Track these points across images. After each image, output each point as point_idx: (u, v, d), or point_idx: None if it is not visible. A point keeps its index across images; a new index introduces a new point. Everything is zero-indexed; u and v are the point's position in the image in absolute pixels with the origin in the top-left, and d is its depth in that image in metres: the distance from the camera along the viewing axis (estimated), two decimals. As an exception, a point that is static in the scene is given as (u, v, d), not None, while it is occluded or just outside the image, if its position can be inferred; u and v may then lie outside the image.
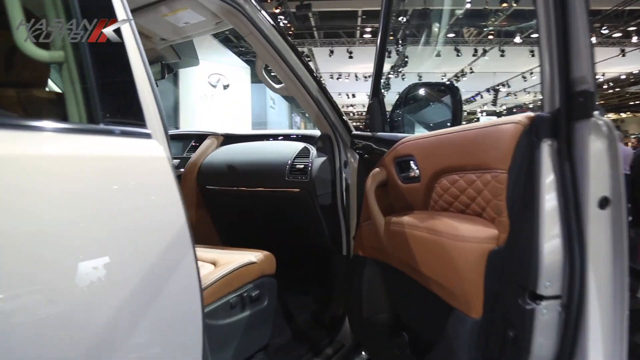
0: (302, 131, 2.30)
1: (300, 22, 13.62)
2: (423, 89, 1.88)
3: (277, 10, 13.14)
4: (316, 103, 1.88)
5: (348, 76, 17.44)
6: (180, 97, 10.63)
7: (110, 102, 0.97)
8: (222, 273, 1.58)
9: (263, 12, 1.62)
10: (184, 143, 2.51)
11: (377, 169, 1.59)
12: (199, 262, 1.76)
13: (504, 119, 1.00)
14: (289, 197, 2.02)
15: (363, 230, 1.74)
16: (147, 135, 0.98)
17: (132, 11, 1.71)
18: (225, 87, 11.89)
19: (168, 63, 2.33)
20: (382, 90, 1.85)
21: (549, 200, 0.91)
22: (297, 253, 2.37)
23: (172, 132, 2.64)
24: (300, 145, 2.10)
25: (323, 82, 1.70)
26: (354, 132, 1.94)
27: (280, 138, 2.37)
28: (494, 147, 1.01)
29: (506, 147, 0.97)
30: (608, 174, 0.88)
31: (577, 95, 0.88)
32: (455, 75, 16.67)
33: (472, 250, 1.01)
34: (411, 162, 1.44)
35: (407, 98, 1.86)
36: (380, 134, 1.72)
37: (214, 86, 11.63)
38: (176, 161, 2.39)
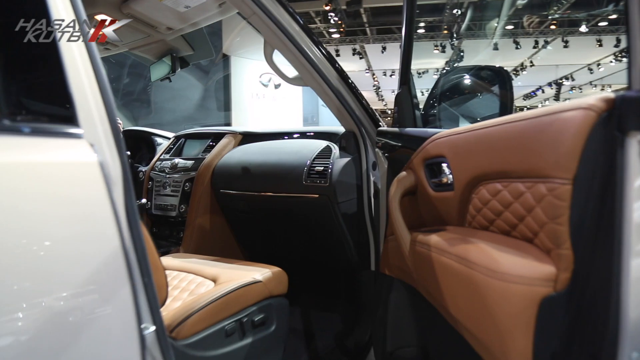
0: (330, 128, 2.02)
1: (352, 19, 13.36)
2: (464, 74, 1.55)
3: (328, 7, 12.97)
4: (337, 95, 1.60)
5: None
6: (232, 96, 10.69)
7: (22, 96, 0.76)
8: (217, 295, 1.34)
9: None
10: (202, 143, 2.31)
11: (403, 173, 1.30)
12: (200, 278, 1.54)
13: (567, 104, 0.67)
14: (307, 204, 1.76)
15: (389, 245, 1.45)
16: (76, 136, 0.76)
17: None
18: (277, 86, 11.89)
19: (181, 56, 2.14)
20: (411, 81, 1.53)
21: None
22: (317, 267, 2.11)
23: (188, 131, 2.45)
24: (322, 144, 1.83)
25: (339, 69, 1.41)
26: (381, 128, 1.64)
27: (306, 135, 2.11)
28: (551, 146, 0.69)
29: (570, 145, 0.65)
30: None
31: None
32: (515, 69, 15.71)
33: (517, 294, 0.70)
34: (443, 164, 1.13)
35: (445, 86, 1.54)
36: (408, 129, 1.41)
37: (266, 85, 11.70)
38: (189, 162, 2.18)
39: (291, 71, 1.63)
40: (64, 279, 0.70)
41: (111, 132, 0.84)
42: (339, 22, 12.67)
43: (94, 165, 0.75)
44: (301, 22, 1.46)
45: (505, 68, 1.42)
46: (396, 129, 1.46)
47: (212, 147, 2.19)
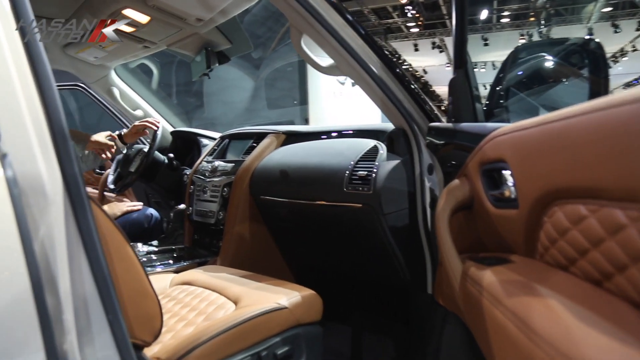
0: (380, 125, 1.76)
1: (430, 12, 12.84)
2: (542, 52, 1.21)
3: (404, 1, 12.57)
4: (380, 86, 1.34)
5: (484, 65, 15.93)
6: (309, 95, 10.69)
7: None
8: (230, 323, 1.14)
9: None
10: (245, 144, 2.14)
11: (455, 182, 1.01)
12: (222, 299, 1.35)
13: None
14: (350, 214, 1.51)
15: (442, 270, 1.16)
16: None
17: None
18: (354, 84, 11.75)
19: (219, 50, 1.98)
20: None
21: None
22: (366, 284, 1.85)
23: (232, 131, 2.29)
24: (369, 144, 1.57)
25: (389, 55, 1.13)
26: (432, 123, 1.35)
27: (355, 133, 1.86)
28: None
29: None
30: None
31: None
32: (613, 56, 14.14)
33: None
34: (505, 171, 0.84)
35: (517, 68, 1.22)
36: (464, 124, 1.12)
37: (342, 84, 11.62)
38: (229, 165, 2.01)
39: (326, 59, 1.40)
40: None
41: (52, 143, 0.66)
42: (417, 15, 12.21)
43: (-1, 181, 0.56)
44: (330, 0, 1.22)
45: (597, 41, 1.07)
46: (449, 124, 1.17)
47: (254, 148, 2.01)
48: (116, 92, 2.49)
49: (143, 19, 1.70)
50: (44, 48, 0.70)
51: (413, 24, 13.03)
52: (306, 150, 1.76)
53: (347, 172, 1.49)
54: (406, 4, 12.00)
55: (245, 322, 1.16)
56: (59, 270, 0.66)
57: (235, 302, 1.31)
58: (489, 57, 15.14)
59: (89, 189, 2.36)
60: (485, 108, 1.24)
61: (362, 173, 1.46)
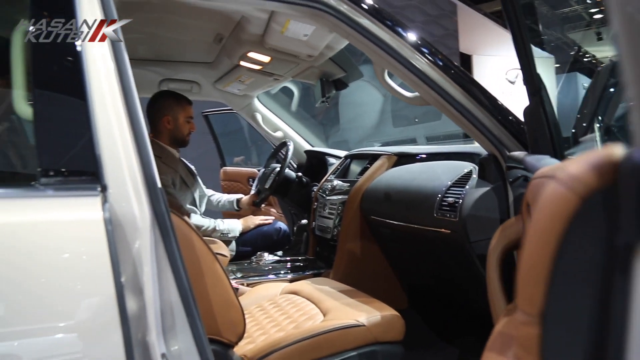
0: (478, 147, 1.72)
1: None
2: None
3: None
4: (462, 113, 1.35)
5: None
6: None
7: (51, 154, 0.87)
8: (310, 333, 1.30)
9: (359, 5, 1.24)
10: (362, 164, 2.27)
11: (511, 220, 1.00)
12: (315, 310, 1.51)
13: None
14: (439, 240, 1.53)
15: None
16: (94, 194, 0.84)
17: (263, 36, 1.62)
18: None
19: (334, 79, 2.16)
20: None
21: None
22: (451, 312, 1.83)
23: (354, 151, 2.44)
24: (466, 167, 1.57)
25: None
26: (512, 152, 1.30)
27: (458, 155, 1.85)
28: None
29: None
30: None
31: None
32: None
33: None
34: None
35: (605, 90, 1.11)
36: (527, 157, 1.07)
37: (512, 82, 10.89)
38: (345, 185, 2.16)
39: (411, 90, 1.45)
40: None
41: (145, 186, 0.89)
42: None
43: (97, 223, 0.80)
44: (404, 34, 1.28)
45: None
46: (520, 153, 1.13)
47: (367, 169, 2.13)
48: (259, 117, 2.86)
49: (265, 58, 1.97)
50: (140, 110, 0.94)
51: (596, 9, 11.53)
52: (410, 173, 1.82)
53: (439, 197, 1.52)
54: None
55: (322, 335, 1.30)
56: (144, 282, 0.88)
57: (324, 314, 1.46)
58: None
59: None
60: (572, 135, 1.16)
61: (450, 199, 1.47)
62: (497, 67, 10.18)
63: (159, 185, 0.92)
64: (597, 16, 11.78)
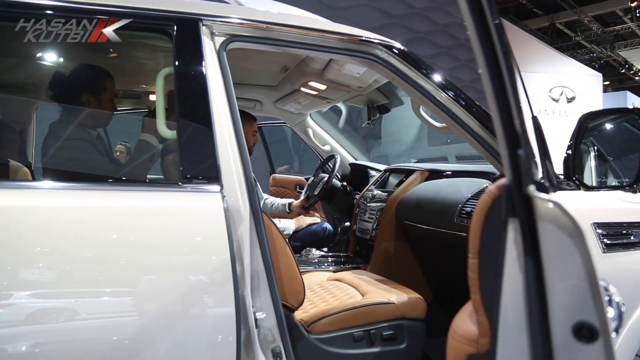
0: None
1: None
2: (610, 120, 1.42)
3: (634, 4, 11.21)
4: (479, 141, 1.72)
5: None
6: None
7: (189, 164, 1.30)
8: (351, 306, 1.68)
9: (404, 58, 1.64)
10: (399, 177, 2.65)
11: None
12: (356, 292, 1.90)
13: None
14: (458, 241, 1.89)
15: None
16: (216, 190, 1.26)
17: (323, 70, 2.05)
18: (570, 100, 10.88)
19: (379, 105, 2.55)
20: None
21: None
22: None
23: (393, 166, 2.82)
24: (484, 183, 1.93)
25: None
26: None
27: (481, 173, 2.21)
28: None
29: (474, 224, 0.77)
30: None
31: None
32: None
33: (454, 349, 0.82)
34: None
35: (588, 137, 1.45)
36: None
37: (556, 100, 10.88)
38: (384, 195, 2.55)
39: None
40: (184, 281, 1.20)
41: (245, 187, 1.32)
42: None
43: (219, 210, 1.23)
44: (436, 80, 1.66)
45: None
46: None
47: (403, 182, 2.51)
48: (310, 132, 3.30)
49: (322, 87, 2.39)
50: (242, 129, 1.37)
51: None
52: (437, 187, 2.19)
53: (459, 206, 1.89)
54: (636, 7, 10.67)
55: (360, 308, 1.69)
56: (244, 253, 1.30)
57: (363, 295, 1.84)
58: None
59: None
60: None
61: (468, 209, 1.84)
62: (541, 85, 10.22)
63: (255, 187, 1.35)
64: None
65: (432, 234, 2.08)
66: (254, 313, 1.29)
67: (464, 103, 1.70)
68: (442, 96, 1.68)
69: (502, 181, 0.72)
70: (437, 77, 1.69)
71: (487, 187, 1.91)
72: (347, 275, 2.14)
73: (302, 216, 2.87)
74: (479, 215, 0.75)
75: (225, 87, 1.40)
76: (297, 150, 6.55)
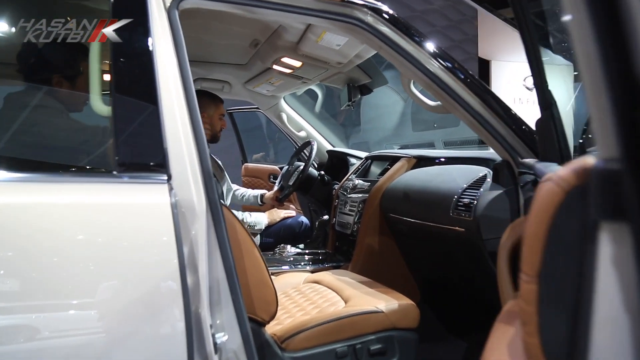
0: (493, 153, 1.84)
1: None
2: None
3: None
4: (480, 121, 1.47)
5: None
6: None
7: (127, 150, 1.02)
8: (333, 317, 1.43)
9: (393, 24, 1.38)
10: (382, 165, 2.40)
11: (520, 219, 1.12)
12: (337, 297, 1.65)
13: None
14: (453, 237, 1.66)
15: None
16: (162, 181, 0.98)
17: (297, 43, 1.77)
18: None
19: (360, 85, 2.29)
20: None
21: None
22: (462, 307, 1.96)
23: (374, 153, 2.57)
24: (480, 172, 1.69)
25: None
26: (523, 159, 1.42)
27: (475, 159, 1.97)
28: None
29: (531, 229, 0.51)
30: None
31: None
32: None
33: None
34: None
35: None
36: (537, 164, 1.20)
37: (530, 89, 10.79)
38: (366, 184, 2.30)
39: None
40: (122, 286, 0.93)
41: (201, 176, 1.04)
42: None
43: (165, 205, 0.95)
44: (430, 49, 1.41)
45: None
46: (530, 161, 1.26)
47: (388, 170, 2.26)
48: (284, 116, 3.01)
49: (297, 63, 2.11)
50: (198, 109, 1.08)
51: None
52: (427, 175, 1.95)
53: (455, 198, 1.65)
54: None
55: (345, 319, 1.43)
56: (199, 260, 1.03)
57: (346, 302, 1.59)
58: None
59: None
60: (579, 144, 1.28)
61: (466, 200, 1.60)
62: (515, 74, 10.16)
63: (212, 178, 1.07)
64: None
65: (421, 228, 1.85)
66: (213, 335, 1.03)
67: (462, 77, 1.46)
68: (436, 69, 1.43)
69: (584, 163, 0.47)
70: (431, 47, 1.44)
71: (485, 175, 1.67)
72: (326, 276, 1.88)
73: (275, 209, 2.59)
74: (541, 217, 0.50)
75: (178, 56, 1.10)
76: (273, 138, 6.28)
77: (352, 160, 2.79)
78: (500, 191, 1.55)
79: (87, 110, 1.14)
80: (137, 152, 1.02)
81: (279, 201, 2.61)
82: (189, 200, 1.01)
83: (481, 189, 1.59)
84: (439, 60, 1.43)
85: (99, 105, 1.11)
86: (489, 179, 1.62)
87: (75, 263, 0.89)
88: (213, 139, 2.31)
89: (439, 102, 1.55)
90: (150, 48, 1.05)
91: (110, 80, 1.04)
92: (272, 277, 2.11)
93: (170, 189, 0.98)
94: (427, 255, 2.02)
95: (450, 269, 1.89)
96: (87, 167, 1.10)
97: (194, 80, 2.69)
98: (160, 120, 1.01)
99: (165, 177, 0.99)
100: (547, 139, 1.24)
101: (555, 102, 1.22)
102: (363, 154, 2.78)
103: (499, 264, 1.10)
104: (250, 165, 4.10)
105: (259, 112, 3.31)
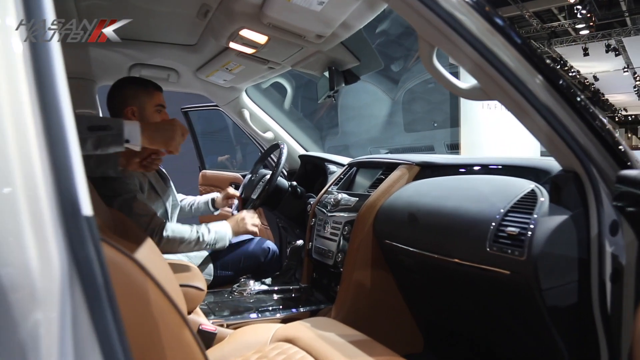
0: (542, 161, 1.34)
1: (606, 10, 11.22)
2: None
3: (573, 0, 11.21)
4: (543, 115, 0.97)
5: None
6: (461, 110, 9.03)
7: None
8: None
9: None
10: (373, 174, 1.87)
11: None
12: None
13: None
14: (493, 281, 1.14)
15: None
16: None
17: (262, 7, 1.23)
18: None
19: (347, 69, 1.75)
20: None
21: None
22: None
23: (360, 158, 2.05)
24: (526, 187, 1.18)
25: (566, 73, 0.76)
26: (626, 171, 0.92)
27: (506, 169, 1.47)
28: None
29: None
30: None
31: None
32: None
33: None
34: None
35: None
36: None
37: None
38: (352, 200, 1.77)
39: (468, 79, 1.07)
40: None
41: (56, 214, 0.49)
42: (589, 15, 10.75)
43: None
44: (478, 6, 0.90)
45: None
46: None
47: (382, 181, 1.73)
48: (246, 114, 2.45)
49: (261, 39, 1.56)
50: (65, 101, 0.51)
51: (583, 25, 11.50)
52: (442, 189, 1.43)
53: (493, 225, 1.13)
54: (575, 4, 10.63)
55: None
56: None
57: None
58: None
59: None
60: None
61: (512, 229, 1.08)
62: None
63: (89, 212, 0.50)
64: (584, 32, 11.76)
65: (433, 263, 1.33)
66: None
67: (520, 42, 0.95)
68: (482, 29, 0.92)
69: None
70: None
71: (533, 191, 1.17)
72: (302, 331, 1.33)
73: (240, 215, 1.91)
74: None
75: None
76: (240, 141, 5.76)
77: (331, 167, 2.25)
78: (566, 217, 1.05)
79: None
80: None
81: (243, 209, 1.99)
82: (20, 273, 0.45)
83: (535, 214, 1.08)
84: (483, 14, 0.92)
85: None
86: (542, 198, 1.11)
87: None
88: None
89: (475, 83, 1.03)
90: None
91: None
92: (229, 330, 1.56)
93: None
94: (437, 297, 1.50)
95: (480, 320, 1.38)
96: None
97: (131, 67, 2.11)
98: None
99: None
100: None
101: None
102: (344, 160, 2.25)
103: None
104: (208, 172, 3.53)
105: (220, 110, 2.73)
